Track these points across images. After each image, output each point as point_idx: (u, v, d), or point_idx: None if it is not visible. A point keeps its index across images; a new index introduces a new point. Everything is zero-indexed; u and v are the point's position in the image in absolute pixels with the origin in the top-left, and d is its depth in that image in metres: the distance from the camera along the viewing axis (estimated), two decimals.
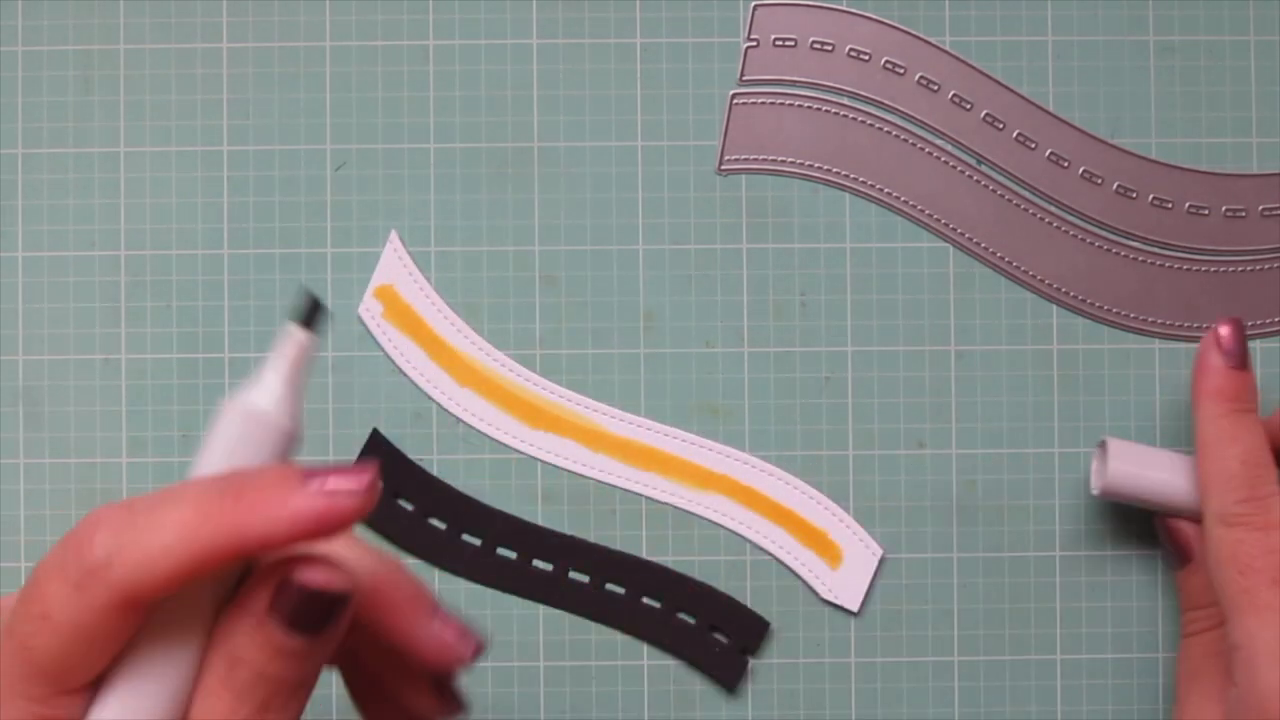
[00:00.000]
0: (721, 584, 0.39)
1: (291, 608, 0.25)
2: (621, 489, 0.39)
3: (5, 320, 0.39)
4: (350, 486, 0.24)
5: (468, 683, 0.39)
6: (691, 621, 0.38)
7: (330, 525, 0.25)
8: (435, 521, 0.38)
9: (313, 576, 0.25)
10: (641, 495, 0.39)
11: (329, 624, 0.25)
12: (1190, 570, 0.36)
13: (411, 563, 0.38)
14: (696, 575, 0.39)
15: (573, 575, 0.39)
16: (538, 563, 0.39)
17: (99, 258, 0.39)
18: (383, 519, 0.38)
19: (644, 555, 0.39)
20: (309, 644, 0.25)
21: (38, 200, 0.39)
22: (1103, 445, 0.38)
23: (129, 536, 0.25)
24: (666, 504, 0.39)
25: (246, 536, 0.24)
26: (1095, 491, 0.38)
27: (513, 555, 0.38)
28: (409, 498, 0.38)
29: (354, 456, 0.38)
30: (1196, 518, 0.37)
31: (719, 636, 0.38)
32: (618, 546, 0.39)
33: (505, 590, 0.39)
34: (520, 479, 0.39)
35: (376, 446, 0.38)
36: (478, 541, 0.38)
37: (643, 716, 0.39)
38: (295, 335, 0.26)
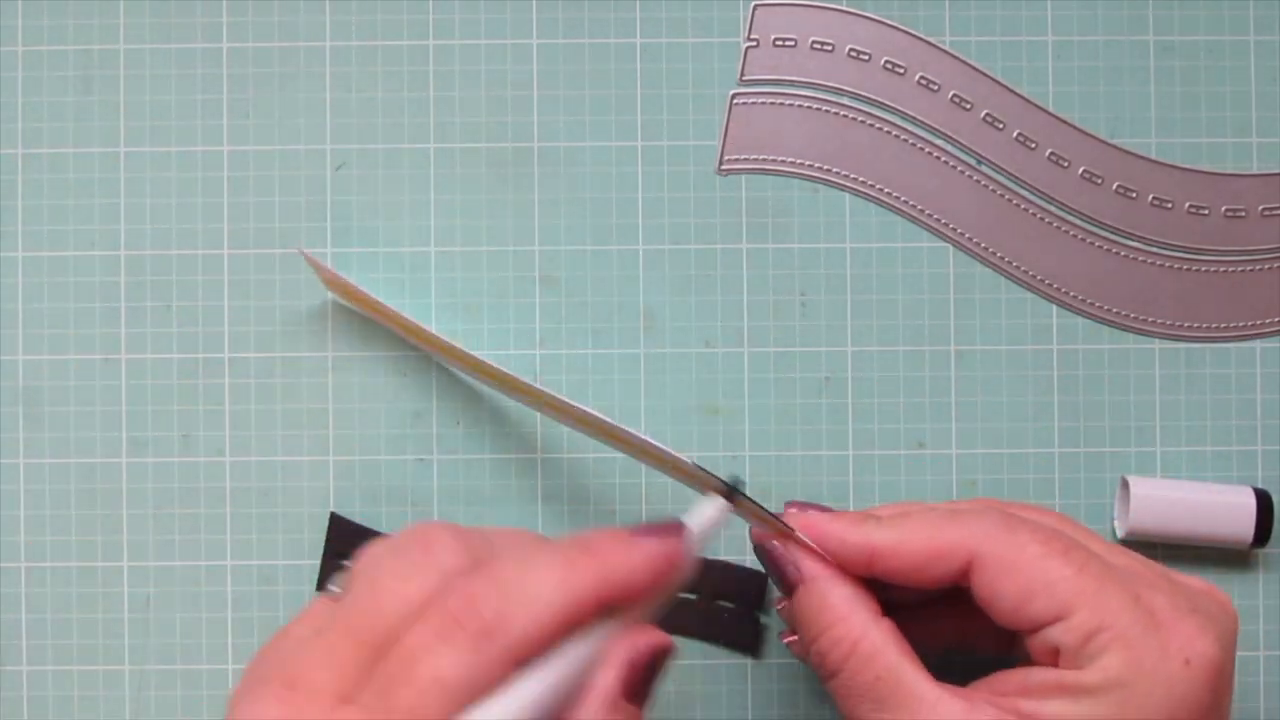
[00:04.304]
0: None
1: (638, 680, 0.28)
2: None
3: (5, 320, 0.39)
4: (674, 534, 0.28)
5: None
6: (693, 597, 0.38)
7: (674, 564, 0.28)
8: None
9: (647, 640, 0.28)
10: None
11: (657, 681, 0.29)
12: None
13: None
14: None
15: None
16: None
17: (99, 258, 0.39)
18: None
19: None
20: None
21: (38, 200, 0.39)
22: (1124, 485, 0.38)
23: (511, 593, 0.27)
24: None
25: (612, 581, 0.27)
26: (1120, 535, 0.38)
27: None
28: None
29: (354, 457, 0.38)
30: (1223, 548, 0.38)
31: (725, 604, 0.38)
32: None
33: None
34: (520, 479, 0.39)
35: (338, 527, 0.38)
36: None
37: None
38: (717, 503, 0.30)
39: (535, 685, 0.27)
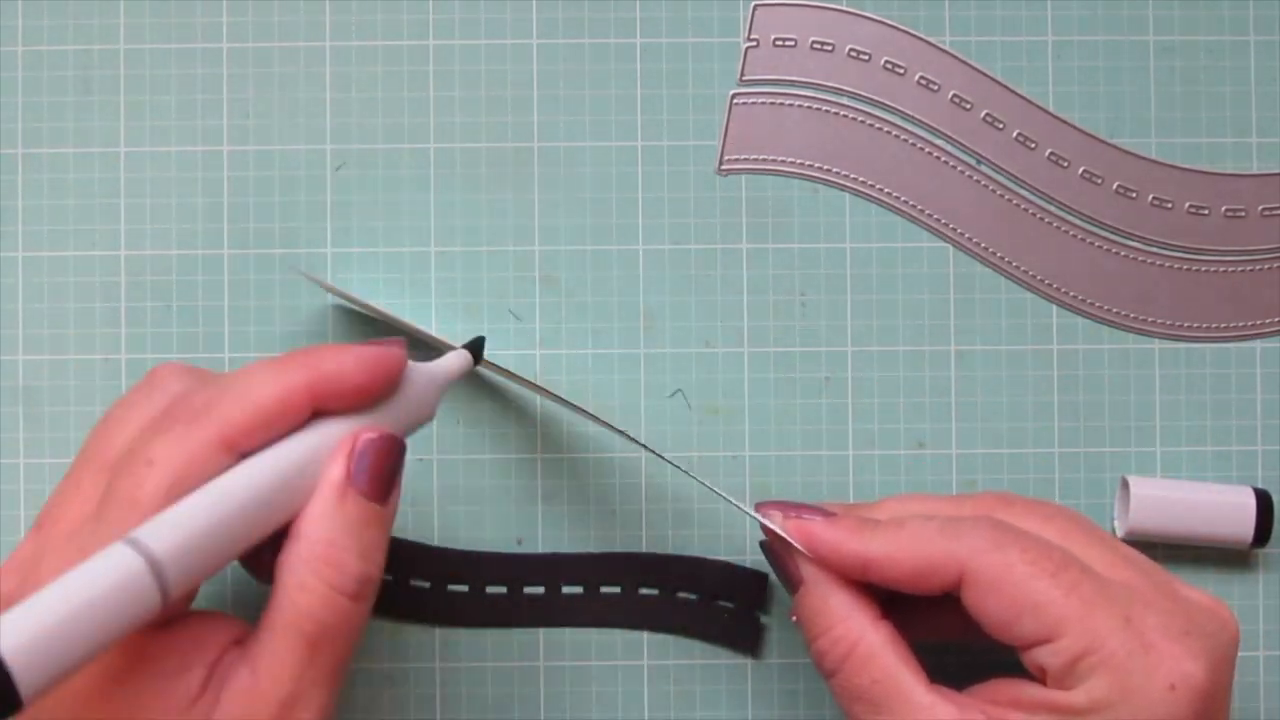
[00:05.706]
0: None
1: (366, 471, 0.29)
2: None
3: (5, 320, 0.39)
4: (388, 344, 0.30)
5: (467, 679, 0.39)
6: (693, 598, 0.38)
7: (384, 365, 0.30)
8: (417, 581, 0.38)
9: (369, 432, 0.30)
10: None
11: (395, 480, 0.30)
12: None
13: (404, 628, 0.38)
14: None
15: (566, 590, 0.38)
16: (528, 589, 0.38)
17: (99, 258, 0.39)
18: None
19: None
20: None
21: (38, 200, 0.39)
22: (1124, 485, 0.38)
23: (222, 387, 0.29)
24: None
25: (323, 375, 0.29)
26: (1119, 535, 0.38)
27: (503, 590, 0.38)
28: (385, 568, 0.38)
29: None
30: (1222, 548, 0.38)
31: (725, 604, 0.38)
32: (617, 547, 0.39)
33: (505, 626, 0.38)
34: (520, 479, 0.39)
35: None
36: (464, 588, 0.38)
37: (643, 716, 0.39)
38: (461, 354, 0.34)
39: (251, 469, 0.28)
